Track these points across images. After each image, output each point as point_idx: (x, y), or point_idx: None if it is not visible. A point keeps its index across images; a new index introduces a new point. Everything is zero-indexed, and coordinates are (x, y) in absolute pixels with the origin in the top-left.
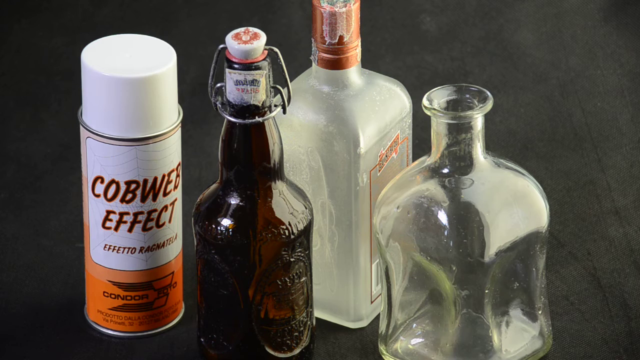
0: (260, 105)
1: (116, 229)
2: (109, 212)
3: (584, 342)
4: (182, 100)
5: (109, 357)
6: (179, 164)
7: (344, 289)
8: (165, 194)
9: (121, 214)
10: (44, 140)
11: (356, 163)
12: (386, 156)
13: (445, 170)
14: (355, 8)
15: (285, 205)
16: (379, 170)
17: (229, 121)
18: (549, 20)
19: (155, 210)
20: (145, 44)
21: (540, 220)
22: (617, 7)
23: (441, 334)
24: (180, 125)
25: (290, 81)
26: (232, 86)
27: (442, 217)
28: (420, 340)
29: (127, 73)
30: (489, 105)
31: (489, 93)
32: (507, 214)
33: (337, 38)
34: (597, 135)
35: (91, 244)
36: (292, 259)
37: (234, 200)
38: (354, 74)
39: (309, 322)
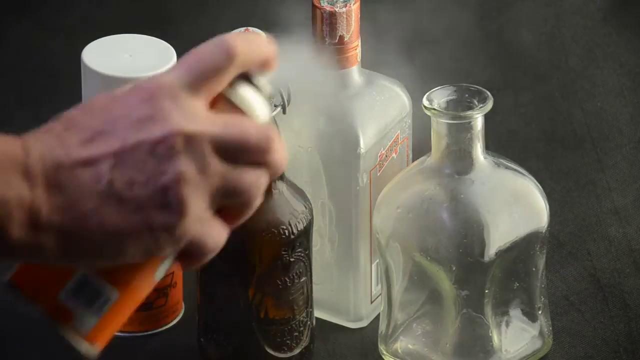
0: None
1: None
2: None
3: (584, 342)
4: None
5: (109, 357)
6: None
7: (344, 289)
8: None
9: None
10: None
11: (356, 163)
12: (386, 156)
13: (446, 170)
14: (355, 8)
15: (285, 205)
16: (379, 170)
17: None
18: (549, 20)
19: None
20: (145, 44)
21: (540, 220)
22: (617, 7)
23: (441, 334)
24: None
25: None
26: None
27: (442, 217)
28: (420, 340)
29: (127, 73)
30: (489, 105)
31: (489, 93)
32: (507, 214)
33: (337, 38)
34: (597, 135)
35: None
36: (292, 259)
37: None
38: (354, 74)
39: (309, 322)
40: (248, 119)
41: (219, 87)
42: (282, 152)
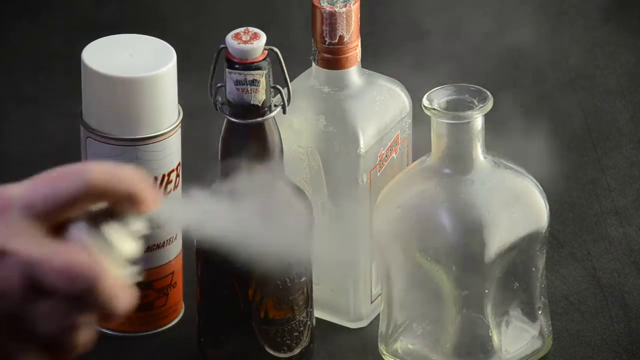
0: (260, 105)
1: None
2: None
3: (584, 342)
4: (182, 100)
5: (109, 357)
6: (179, 164)
7: (344, 289)
8: (165, 194)
9: None
10: (43, 140)
11: (356, 163)
12: (386, 156)
13: (445, 170)
14: (355, 8)
15: (285, 205)
16: (379, 170)
17: (229, 121)
18: (549, 20)
19: None
20: (145, 44)
21: (540, 220)
22: (617, 7)
23: (441, 334)
24: (180, 125)
25: (290, 81)
26: (232, 86)
27: (442, 217)
28: (420, 340)
29: (127, 73)
30: (489, 105)
31: (489, 93)
32: (507, 214)
33: (337, 38)
34: (597, 135)
35: None
36: (292, 259)
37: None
38: (354, 74)
39: (309, 322)
40: (82, 252)
41: (68, 214)
42: (113, 292)
